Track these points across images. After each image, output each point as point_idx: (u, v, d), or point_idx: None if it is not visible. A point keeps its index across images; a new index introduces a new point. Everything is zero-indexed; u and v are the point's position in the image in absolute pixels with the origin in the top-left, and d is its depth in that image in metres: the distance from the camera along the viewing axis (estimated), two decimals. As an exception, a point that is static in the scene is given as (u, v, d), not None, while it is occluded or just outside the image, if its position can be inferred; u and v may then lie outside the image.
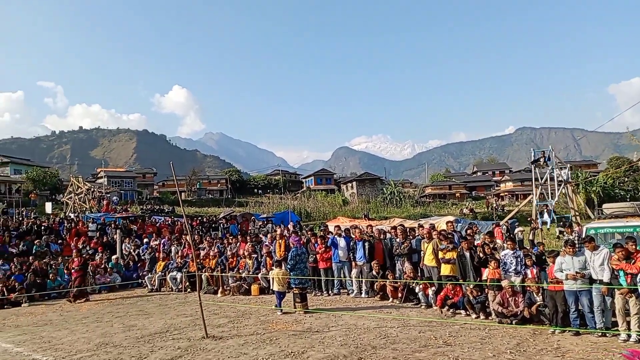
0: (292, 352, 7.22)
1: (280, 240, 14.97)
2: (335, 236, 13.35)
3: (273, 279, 11.30)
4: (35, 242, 20.70)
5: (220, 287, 14.94)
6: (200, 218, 31.69)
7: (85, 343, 8.52)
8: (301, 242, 13.96)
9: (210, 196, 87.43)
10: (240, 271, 15.15)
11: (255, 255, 15.60)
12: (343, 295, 13.08)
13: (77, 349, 8.09)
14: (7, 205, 36.94)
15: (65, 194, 44.14)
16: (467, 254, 10.54)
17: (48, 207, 39.99)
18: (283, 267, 11.43)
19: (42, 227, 23.10)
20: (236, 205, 64.65)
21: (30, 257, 18.03)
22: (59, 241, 22.22)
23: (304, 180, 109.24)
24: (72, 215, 31.79)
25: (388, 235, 13.58)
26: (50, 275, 16.79)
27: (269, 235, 17.65)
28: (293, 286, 11.16)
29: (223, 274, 15.26)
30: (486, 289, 9.66)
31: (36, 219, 27.98)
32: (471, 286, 9.83)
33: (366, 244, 12.93)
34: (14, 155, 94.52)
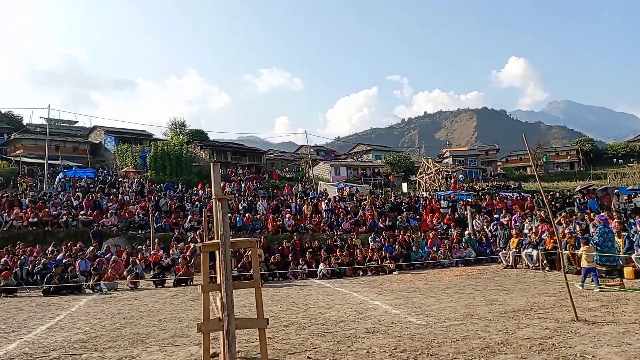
0: (694, 351, 5.90)
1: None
2: None
3: (581, 255, 11.68)
4: (398, 217, 23.41)
5: (584, 268, 13.58)
6: (551, 193, 29.67)
7: (452, 312, 9.06)
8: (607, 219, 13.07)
9: (558, 169, 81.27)
10: (608, 251, 13.40)
11: (626, 234, 13.52)
12: None
13: (445, 316, 8.68)
14: (373, 187, 43.06)
15: (417, 175, 48.43)
16: None
17: (404, 186, 44.72)
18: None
19: (402, 205, 25.89)
20: (592, 178, 57.80)
21: (396, 231, 20.50)
22: (417, 217, 24.50)
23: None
24: (425, 194, 34.59)
25: None
26: (413, 247, 18.68)
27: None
28: (599, 264, 11.20)
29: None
30: None
31: (396, 197, 31.58)
32: None
33: None
34: (373, 143, 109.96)
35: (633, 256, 12.60)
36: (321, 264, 16.80)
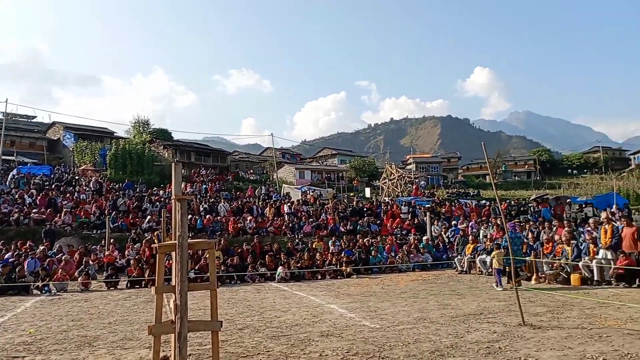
0: (628, 354, 6.18)
1: (606, 226, 13.08)
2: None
3: (493, 258, 13.37)
4: (359, 222, 23.60)
5: (534, 274, 14.03)
6: (507, 201, 30.56)
7: (406, 316, 9.21)
8: (515, 227, 14.06)
9: (516, 178, 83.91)
10: (558, 258, 13.90)
11: (575, 242, 14.07)
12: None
13: (398, 320, 8.81)
14: (336, 191, 43.24)
15: (381, 180, 48.98)
16: None
17: (367, 191, 45.11)
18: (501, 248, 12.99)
19: (364, 209, 26.12)
20: (546, 188, 59.98)
21: (358, 236, 20.66)
22: (377, 222, 24.77)
23: (632, 156, 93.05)
24: (387, 199, 35.00)
25: None
26: (372, 251, 18.87)
27: (591, 220, 15.67)
28: (506, 266, 12.51)
29: (537, 260, 14.31)
30: None
31: (358, 202, 31.84)
32: None
33: None
34: (339, 147, 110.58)
35: (580, 263, 13.12)
36: (280, 267, 16.73)
